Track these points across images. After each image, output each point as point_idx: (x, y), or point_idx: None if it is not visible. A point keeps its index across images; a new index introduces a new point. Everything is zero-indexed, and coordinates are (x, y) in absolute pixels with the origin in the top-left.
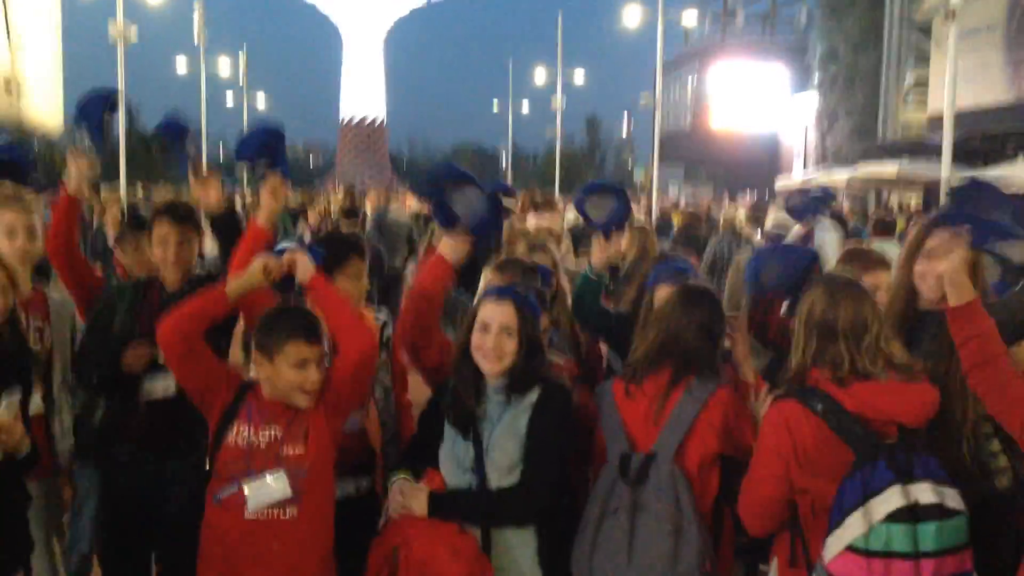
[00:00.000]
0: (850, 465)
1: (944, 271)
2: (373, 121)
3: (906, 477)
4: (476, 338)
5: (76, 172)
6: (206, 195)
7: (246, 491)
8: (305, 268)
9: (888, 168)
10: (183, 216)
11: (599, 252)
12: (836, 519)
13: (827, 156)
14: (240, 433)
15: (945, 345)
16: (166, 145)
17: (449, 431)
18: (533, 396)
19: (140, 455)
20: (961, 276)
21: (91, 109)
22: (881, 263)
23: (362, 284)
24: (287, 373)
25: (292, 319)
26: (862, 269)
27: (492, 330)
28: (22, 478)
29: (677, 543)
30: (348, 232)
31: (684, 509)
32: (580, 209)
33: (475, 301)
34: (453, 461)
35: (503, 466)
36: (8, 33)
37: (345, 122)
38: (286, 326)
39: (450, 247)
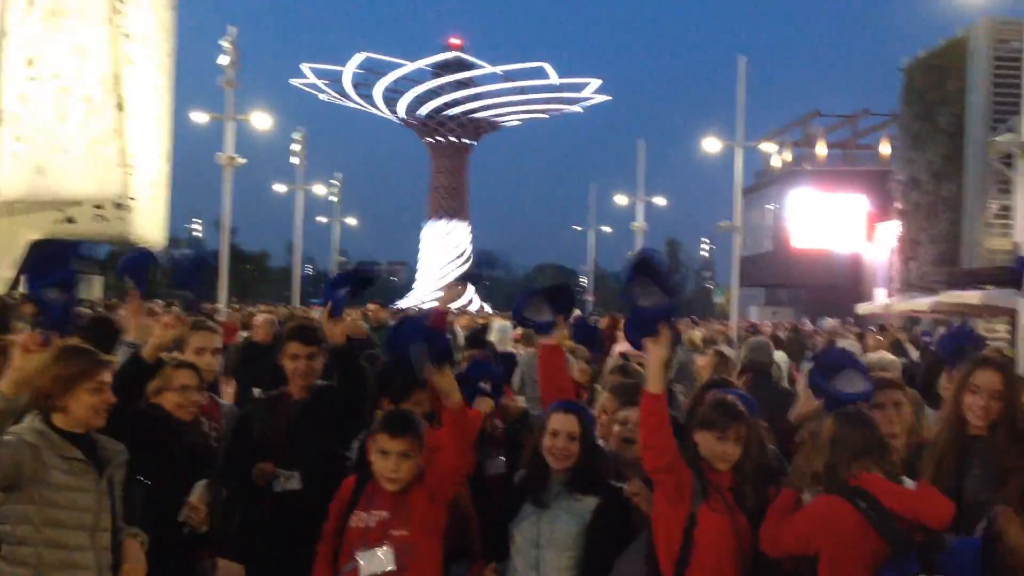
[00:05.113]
0: (877, 552)
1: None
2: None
3: (931, 570)
4: (547, 441)
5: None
6: (333, 333)
7: (360, 560)
8: (453, 395)
9: (972, 296)
10: (310, 338)
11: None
12: None
13: (911, 282)
14: (359, 517)
15: (994, 468)
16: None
17: (525, 509)
18: (593, 502)
19: (273, 543)
20: None
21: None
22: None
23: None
24: (376, 459)
25: (389, 417)
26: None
27: (560, 436)
28: (201, 552)
29: None
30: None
31: None
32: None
33: (548, 411)
34: (524, 535)
35: (558, 547)
36: (122, 158)
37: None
38: (382, 421)
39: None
